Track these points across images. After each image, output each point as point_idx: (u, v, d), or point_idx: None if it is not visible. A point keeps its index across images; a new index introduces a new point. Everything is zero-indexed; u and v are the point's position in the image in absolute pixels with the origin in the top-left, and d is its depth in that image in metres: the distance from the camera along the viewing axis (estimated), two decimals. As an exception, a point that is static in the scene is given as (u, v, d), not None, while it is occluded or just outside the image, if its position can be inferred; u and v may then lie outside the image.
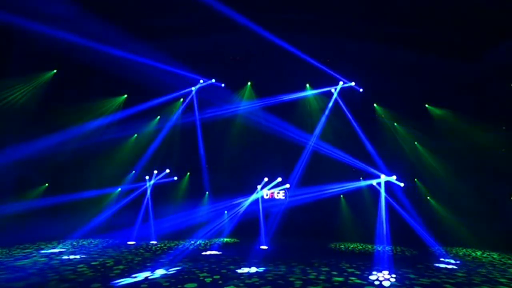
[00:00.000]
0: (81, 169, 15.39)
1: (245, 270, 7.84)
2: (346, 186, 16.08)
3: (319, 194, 15.65)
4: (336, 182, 16.18)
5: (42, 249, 10.70)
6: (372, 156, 16.14)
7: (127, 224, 15.34)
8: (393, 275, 7.66)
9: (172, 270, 7.59)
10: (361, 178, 16.82)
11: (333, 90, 16.35)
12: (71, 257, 9.28)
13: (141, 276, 6.93)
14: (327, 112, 16.47)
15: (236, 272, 7.63)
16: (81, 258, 9.19)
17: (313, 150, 16.18)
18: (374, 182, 15.66)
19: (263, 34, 12.98)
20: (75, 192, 14.22)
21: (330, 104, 16.41)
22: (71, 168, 14.85)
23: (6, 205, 11.99)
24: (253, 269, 7.91)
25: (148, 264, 8.35)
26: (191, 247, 12.24)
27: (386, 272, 7.99)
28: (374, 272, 7.97)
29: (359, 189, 16.64)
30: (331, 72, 15.51)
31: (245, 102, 17.11)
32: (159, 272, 7.37)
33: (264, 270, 7.89)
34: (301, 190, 15.62)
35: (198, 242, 13.69)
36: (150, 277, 6.82)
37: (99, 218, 15.05)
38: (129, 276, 6.89)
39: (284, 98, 16.46)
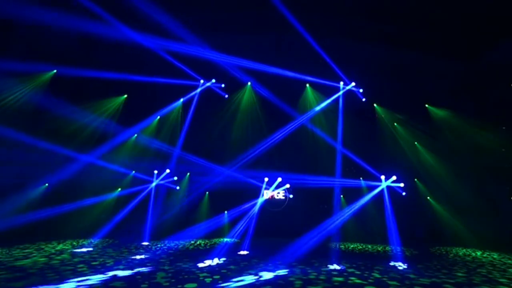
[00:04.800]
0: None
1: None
2: (347, 182, 16.33)
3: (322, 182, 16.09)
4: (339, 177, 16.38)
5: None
6: (372, 161, 16.17)
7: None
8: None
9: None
10: (360, 178, 16.82)
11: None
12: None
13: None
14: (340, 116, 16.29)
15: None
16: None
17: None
18: (379, 189, 15.81)
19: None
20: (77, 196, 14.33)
21: (340, 105, 16.29)
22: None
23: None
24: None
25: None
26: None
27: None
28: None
29: (359, 189, 16.66)
30: (327, 81, 15.58)
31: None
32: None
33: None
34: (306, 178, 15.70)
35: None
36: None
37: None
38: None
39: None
